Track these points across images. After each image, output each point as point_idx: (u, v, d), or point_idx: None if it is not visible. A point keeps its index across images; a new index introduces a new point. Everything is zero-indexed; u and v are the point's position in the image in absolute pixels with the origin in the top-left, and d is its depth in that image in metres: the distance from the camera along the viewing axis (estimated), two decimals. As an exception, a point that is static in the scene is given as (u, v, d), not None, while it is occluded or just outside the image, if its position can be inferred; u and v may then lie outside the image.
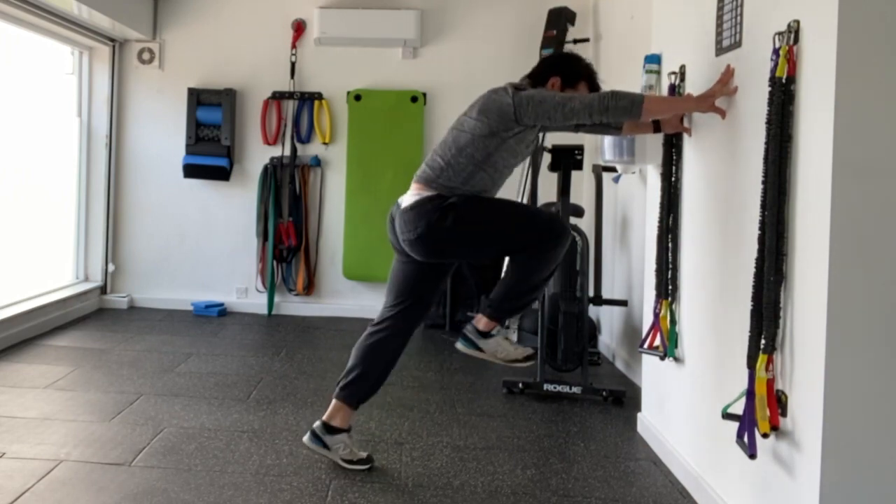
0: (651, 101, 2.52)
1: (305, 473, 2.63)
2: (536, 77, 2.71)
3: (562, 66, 2.70)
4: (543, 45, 4.87)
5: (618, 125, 2.86)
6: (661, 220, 2.88)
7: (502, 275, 2.66)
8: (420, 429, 3.14)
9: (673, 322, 2.83)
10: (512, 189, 4.69)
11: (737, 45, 2.34)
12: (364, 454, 2.71)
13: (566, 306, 3.75)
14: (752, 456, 2.00)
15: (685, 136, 2.78)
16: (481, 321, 2.61)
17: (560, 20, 4.86)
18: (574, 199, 4.01)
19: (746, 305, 2.09)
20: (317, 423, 2.71)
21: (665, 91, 2.98)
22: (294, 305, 5.56)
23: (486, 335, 2.61)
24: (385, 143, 5.43)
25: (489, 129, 2.52)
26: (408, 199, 2.59)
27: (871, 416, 1.80)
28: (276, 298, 5.55)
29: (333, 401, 2.71)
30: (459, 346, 2.64)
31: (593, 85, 2.71)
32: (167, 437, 2.92)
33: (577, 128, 2.87)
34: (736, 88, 2.33)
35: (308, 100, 5.52)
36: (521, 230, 2.54)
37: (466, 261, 3.45)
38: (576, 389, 3.57)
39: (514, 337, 4.67)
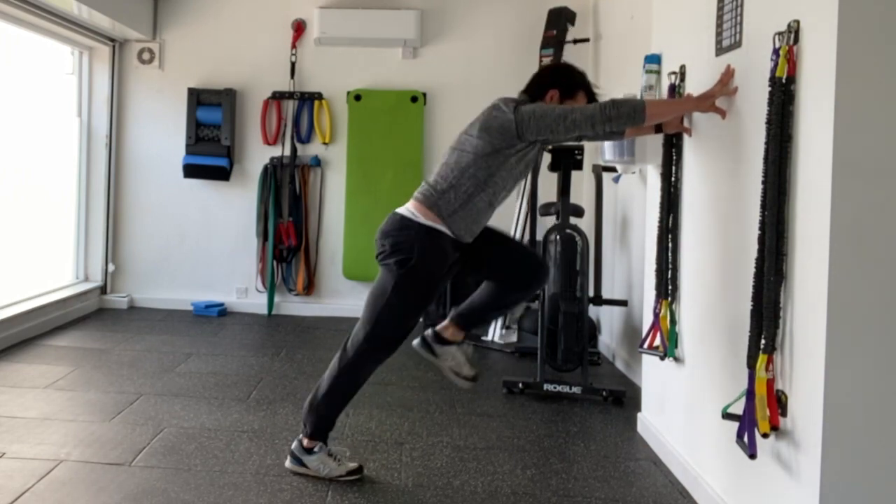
0: (652, 105, 2.49)
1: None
2: (533, 91, 2.65)
3: (559, 78, 2.65)
4: (543, 45, 4.88)
5: (620, 132, 2.84)
6: (661, 220, 2.88)
7: (477, 292, 2.72)
8: (420, 429, 3.14)
9: (673, 322, 2.83)
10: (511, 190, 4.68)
11: (737, 45, 2.34)
12: (350, 466, 2.61)
13: (566, 306, 3.75)
14: (752, 456, 2.00)
15: (685, 136, 2.78)
16: (448, 329, 2.65)
17: (560, 20, 4.86)
18: (574, 199, 4.01)
19: (746, 305, 2.09)
20: (294, 443, 2.64)
21: (665, 91, 2.98)
22: (294, 305, 5.56)
23: (446, 342, 2.66)
24: (385, 143, 5.42)
25: (492, 146, 2.48)
26: (401, 210, 2.54)
27: (871, 416, 1.80)
28: (276, 298, 5.55)
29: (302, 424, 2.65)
30: (415, 344, 2.70)
31: (591, 93, 2.68)
32: (167, 437, 2.92)
33: (579, 138, 2.84)
34: (736, 89, 2.33)
35: (308, 100, 5.52)
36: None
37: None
38: (576, 389, 3.57)
39: (515, 337, 4.68)
